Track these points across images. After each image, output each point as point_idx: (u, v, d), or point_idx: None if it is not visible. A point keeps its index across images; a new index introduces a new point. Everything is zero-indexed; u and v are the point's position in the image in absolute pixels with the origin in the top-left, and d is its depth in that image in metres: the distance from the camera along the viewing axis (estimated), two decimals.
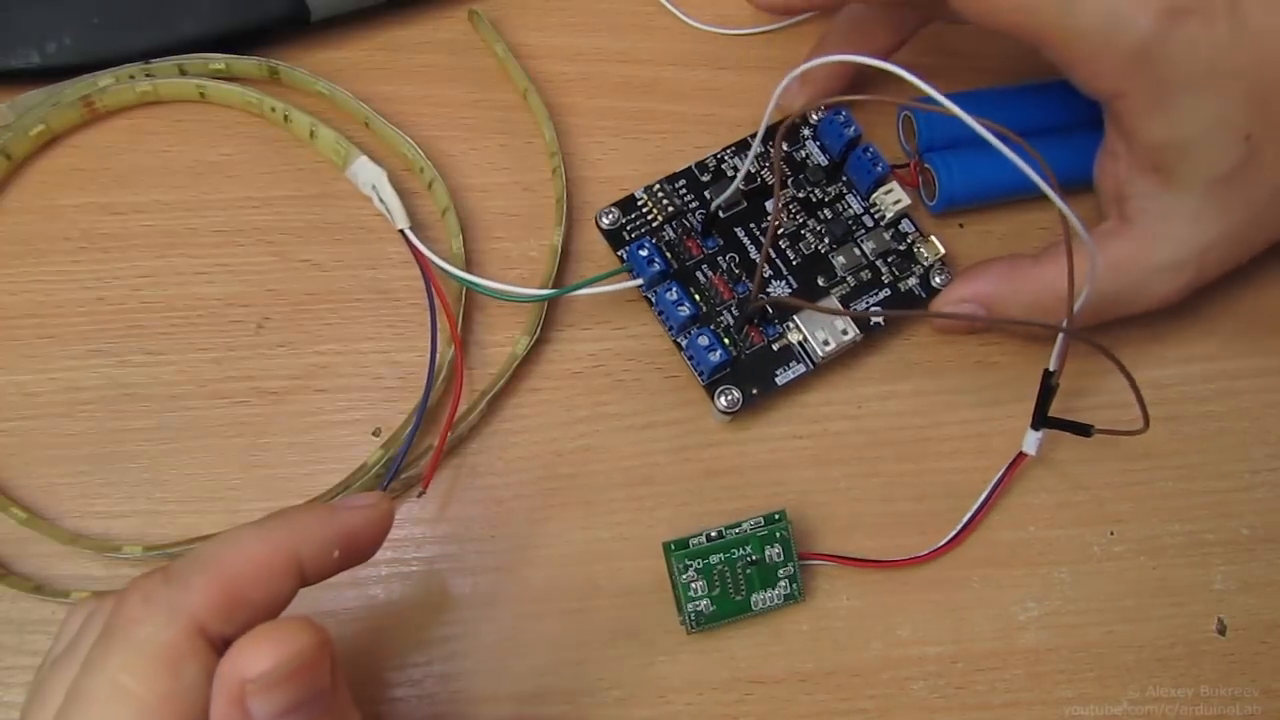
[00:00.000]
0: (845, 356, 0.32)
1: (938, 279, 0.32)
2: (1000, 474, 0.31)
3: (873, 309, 0.32)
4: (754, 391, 0.30)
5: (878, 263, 0.32)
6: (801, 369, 0.31)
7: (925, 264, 0.32)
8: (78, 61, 0.32)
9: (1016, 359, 0.33)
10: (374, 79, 0.35)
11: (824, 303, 0.31)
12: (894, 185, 0.32)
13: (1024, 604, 0.30)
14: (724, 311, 0.31)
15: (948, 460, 0.32)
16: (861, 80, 0.34)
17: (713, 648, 0.29)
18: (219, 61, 0.33)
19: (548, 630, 0.29)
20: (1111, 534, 0.31)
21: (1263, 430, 0.33)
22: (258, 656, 0.18)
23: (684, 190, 0.33)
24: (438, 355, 0.30)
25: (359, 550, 0.23)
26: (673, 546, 0.28)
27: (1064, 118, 0.33)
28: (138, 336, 0.31)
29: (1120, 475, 0.32)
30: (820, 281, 0.32)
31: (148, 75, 0.33)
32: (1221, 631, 0.30)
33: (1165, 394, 0.33)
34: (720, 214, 0.32)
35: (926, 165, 0.33)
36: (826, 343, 0.31)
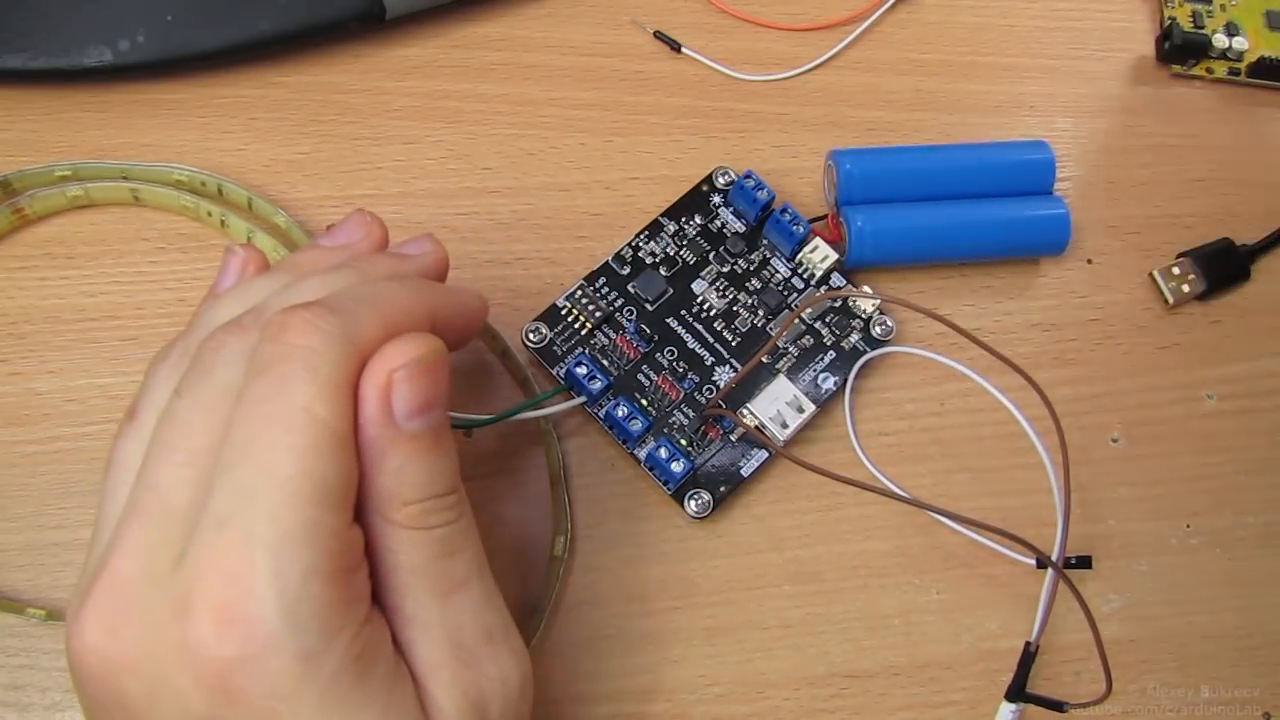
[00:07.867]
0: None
1: (878, 329, 0.31)
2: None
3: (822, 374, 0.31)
4: (721, 489, 0.29)
5: (817, 325, 0.31)
6: (765, 455, 0.30)
7: (864, 316, 0.32)
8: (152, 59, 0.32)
9: None
10: (449, 77, 0.35)
11: (774, 385, 0.30)
12: (818, 242, 0.32)
13: (1106, 596, 0.31)
14: (675, 412, 0.30)
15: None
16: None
17: (808, 644, 0.29)
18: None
19: (648, 628, 0.29)
20: (1188, 527, 0.31)
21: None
22: (404, 349, 0.19)
23: (606, 288, 0.31)
24: None
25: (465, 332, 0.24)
26: None
27: (991, 184, 0.33)
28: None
29: (1200, 470, 0.32)
30: (764, 359, 0.31)
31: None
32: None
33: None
34: (648, 306, 0.31)
35: (841, 220, 0.32)
36: (784, 425, 0.30)
